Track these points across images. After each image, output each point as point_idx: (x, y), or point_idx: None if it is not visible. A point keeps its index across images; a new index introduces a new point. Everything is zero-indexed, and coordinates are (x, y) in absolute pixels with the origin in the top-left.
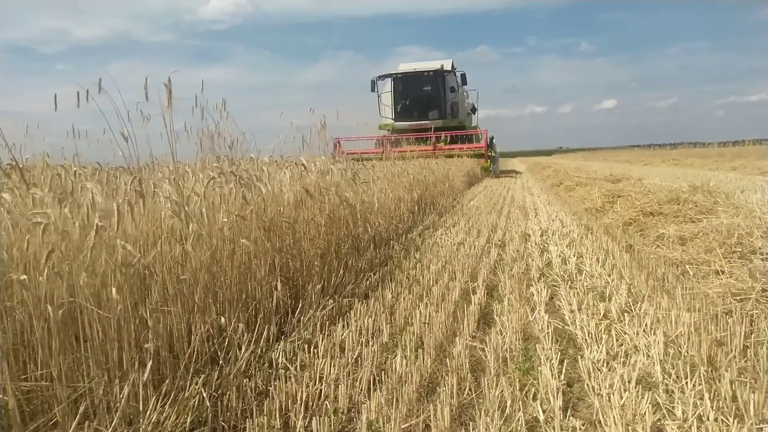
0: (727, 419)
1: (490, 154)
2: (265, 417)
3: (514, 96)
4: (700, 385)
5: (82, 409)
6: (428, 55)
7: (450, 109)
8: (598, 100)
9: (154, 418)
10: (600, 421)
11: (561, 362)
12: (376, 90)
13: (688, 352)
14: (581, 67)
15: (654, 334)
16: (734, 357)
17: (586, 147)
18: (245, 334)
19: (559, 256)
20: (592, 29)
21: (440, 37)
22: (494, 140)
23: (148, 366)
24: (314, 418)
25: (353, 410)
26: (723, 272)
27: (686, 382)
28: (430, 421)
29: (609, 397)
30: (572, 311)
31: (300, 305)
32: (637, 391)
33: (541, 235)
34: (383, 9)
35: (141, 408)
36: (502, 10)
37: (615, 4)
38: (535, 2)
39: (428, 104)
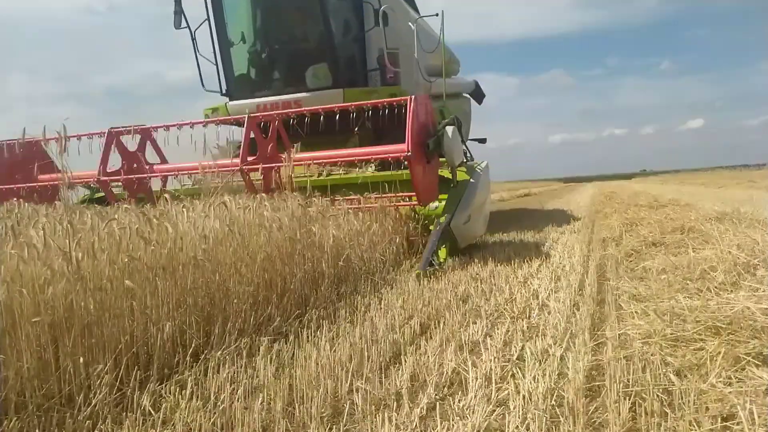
0: None
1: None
2: None
3: (591, 119)
4: None
5: None
6: (502, 81)
7: (361, 60)
8: (683, 120)
9: None
10: None
11: None
12: (189, 30)
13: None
14: (664, 86)
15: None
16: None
17: (672, 169)
18: (105, 377)
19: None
20: (677, 47)
21: (511, 62)
22: (462, 131)
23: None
24: None
25: None
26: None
27: None
28: None
29: None
30: None
31: (210, 344)
32: None
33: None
34: (458, 38)
35: None
36: (579, 32)
37: (701, 21)
38: (616, 23)
39: (304, 54)
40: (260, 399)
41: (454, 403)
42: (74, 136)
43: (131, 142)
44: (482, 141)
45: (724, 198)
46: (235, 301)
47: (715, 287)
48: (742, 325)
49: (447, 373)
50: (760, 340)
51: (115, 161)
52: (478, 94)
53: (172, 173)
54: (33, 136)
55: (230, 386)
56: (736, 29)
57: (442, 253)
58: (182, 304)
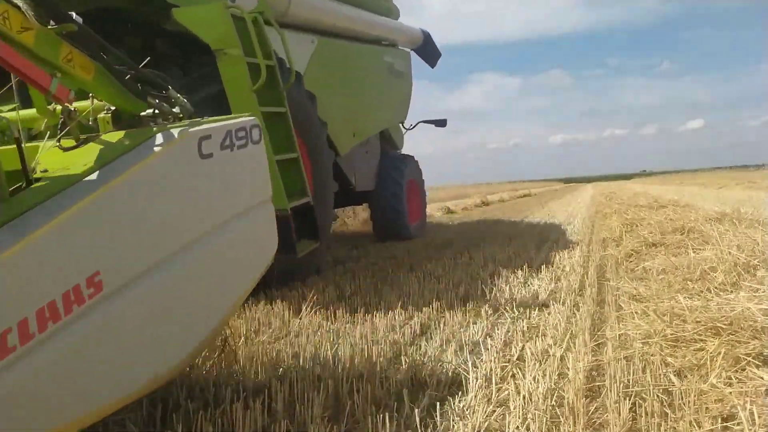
0: None
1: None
2: None
3: (591, 119)
4: None
5: None
6: (502, 80)
7: None
8: (683, 121)
9: None
10: None
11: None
12: None
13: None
14: (664, 86)
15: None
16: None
17: (672, 169)
18: None
19: None
20: (677, 47)
21: (512, 62)
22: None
23: None
24: None
25: None
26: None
27: None
28: None
29: None
30: None
31: None
32: None
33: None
34: (460, 38)
35: None
36: (579, 32)
37: (701, 21)
38: (616, 23)
39: None
40: (260, 399)
41: (454, 403)
42: None
43: None
44: (441, 123)
45: (724, 198)
46: None
47: (716, 288)
48: (743, 326)
49: (447, 373)
50: (761, 341)
51: None
52: (429, 52)
53: None
54: None
55: (231, 386)
56: (736, 29)
57: None
58: None
